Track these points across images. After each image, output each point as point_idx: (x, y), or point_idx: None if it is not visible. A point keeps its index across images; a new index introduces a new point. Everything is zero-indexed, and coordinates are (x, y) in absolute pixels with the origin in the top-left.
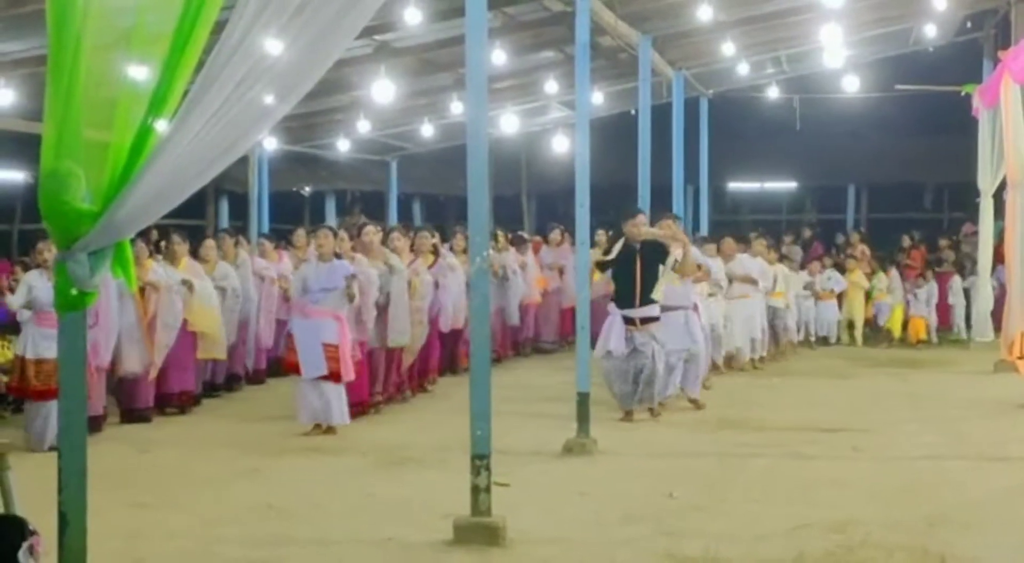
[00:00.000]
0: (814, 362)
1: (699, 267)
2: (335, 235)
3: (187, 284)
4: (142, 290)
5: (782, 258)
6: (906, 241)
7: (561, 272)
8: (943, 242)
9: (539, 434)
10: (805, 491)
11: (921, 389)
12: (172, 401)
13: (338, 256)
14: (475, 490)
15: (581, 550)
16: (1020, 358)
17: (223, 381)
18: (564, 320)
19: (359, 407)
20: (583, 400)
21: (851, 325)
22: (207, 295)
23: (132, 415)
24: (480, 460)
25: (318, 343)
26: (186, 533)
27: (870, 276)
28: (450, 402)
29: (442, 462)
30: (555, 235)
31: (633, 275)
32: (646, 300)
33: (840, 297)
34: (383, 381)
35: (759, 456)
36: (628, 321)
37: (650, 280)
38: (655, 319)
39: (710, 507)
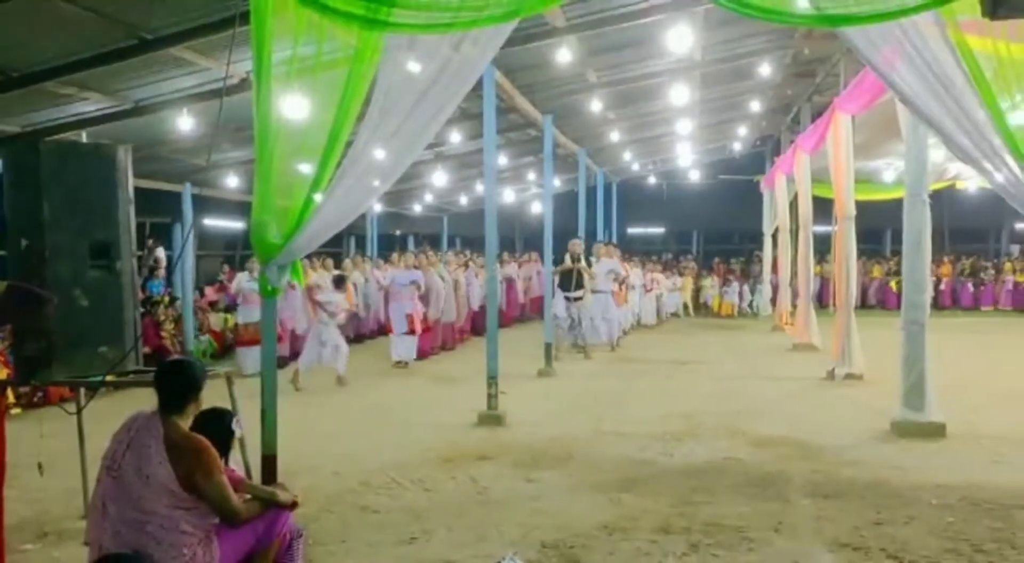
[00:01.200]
0: (674, 326)
1: (616, 276)
2: (415, 257)
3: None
4: (309, 288)
5: (664, 269)
6: (716, 260)
7: (531, 278)
8: (736, 262)
9: (524, 365)
10: (669, 396)
11: (731, 340)
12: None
13: (417, 267)
14: (489, 396)
15: (548, 428)
16: (786, 324)
17: (355, 336)
18: (535, 304)
19: (426, 353)
20: (548, 347)
21: (686, 306)
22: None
23: (298, 355)
24: (492, 379)
25: (403, 313)
26: (333, 419)
27: (697, 278)
28: (474, 353)
29: (470, 381)
30: (528, 257)
31: (572, 275)
32: (578, 287)
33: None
34: (441, 340)
35: (646, 377)
36: (568, 299)
37: (580, 278)
38: (581, 298)
39: (618, 404)
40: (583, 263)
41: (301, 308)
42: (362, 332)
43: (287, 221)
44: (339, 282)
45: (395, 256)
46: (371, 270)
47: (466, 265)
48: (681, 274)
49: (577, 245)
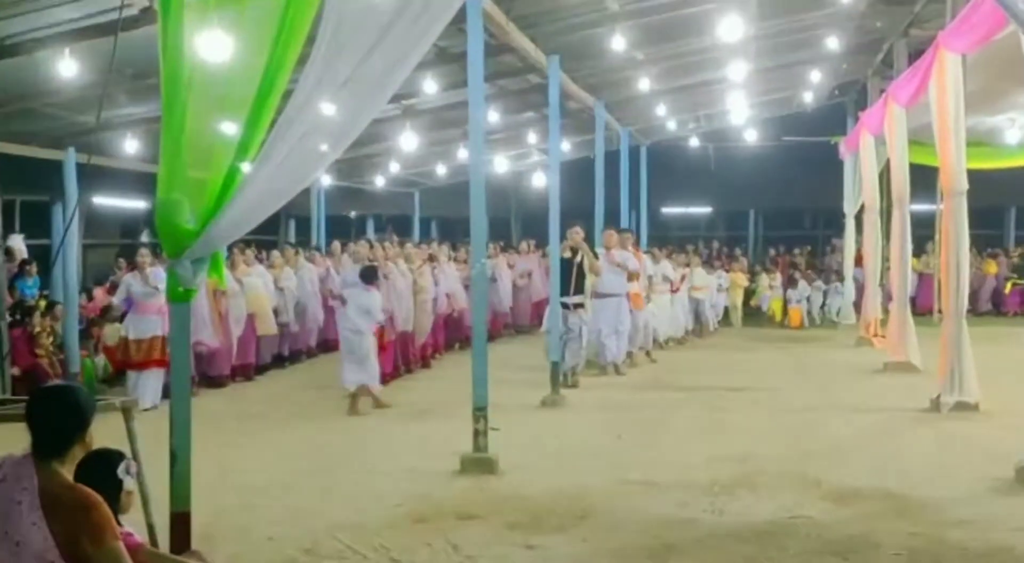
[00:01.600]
0: (722, 340)
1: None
2: (370, 246)
3: (239, 282)
4: (215, 293)
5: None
6: (771, 252)
7: (529, 275)
8: (803, 254)
9: (522, 393)
10: (717, 433)
11: (800, 358)
12: (239, 371)
13: (370, 261)
14: (476, 433)
15: (554, 477)
16: (875, 336)
17: (288, 355)
18: (533, 310)
19: (390, 375)
20: (554, 367)
21: (734, 310)
22: (254, 287)
23: (209, 381)
24: (479, 411)
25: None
26: (264, 467)
27: (751, 275)
28: (454, 373)
29: (451, 414)
30: (524, 246)
31: (569, 272)
32: (578, 291)
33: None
34: (402, 357)
35: (685, 408)
36: (564, 306)
37: (581, 277)
38: (582, 305)
39: (648, 445)
40: (588, 256)
41: (207, 318)
42: (297, 349)
43: (205, 199)
44: (369, 276)
45: (336, 247)
46: (310, 265)
47: (430, 258)
48: (729, 269)
49: (578, 234)
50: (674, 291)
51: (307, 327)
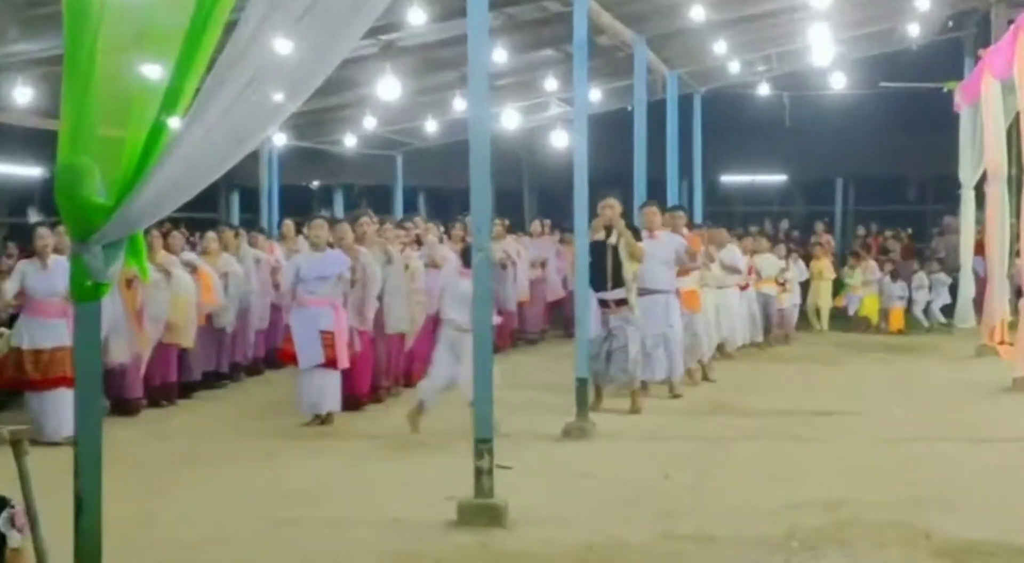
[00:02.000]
0: (802, 348)
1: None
2: (330, 225)
3: (166, 274)
4: (128, 281)
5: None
6: (860, 230)
7: (543, 265)
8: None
9: (539, 418)
10: (796, 472)
11: (907, 373)
12: (157, 393)
13: (331, 245)
14: (478, 472)
15: (581, 531)
16: (1002, 343)
17: (227, 370)
18: (546, 312)
19: (365, 396)
20: (582, 385)
21: (817, 312)
22: (183, 286)
23: (120, 406)
24: (483, 443)
25: (315, 331)
26: (198, 517)
27: (836, 264)
28: (448, 393)
29: (445, 446)
30: (536, 226)
31: (604, 258)
32: (617, 283)
33: (805, 285)
34: (387, 369)
35: (751, 439)
36: (602, 304)
37: (619, 263)
38: (625, 301)
39: (704, 488)
40: (627, 237)
41: (121, 322)
42: (236, 361)
43: (121, 165)
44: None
45: (288, 226)
46: (256, 252)
47: (416, 241)
48: (810, 256)
49: (613, 208)
50: (744, 286)
51: (248, 334)
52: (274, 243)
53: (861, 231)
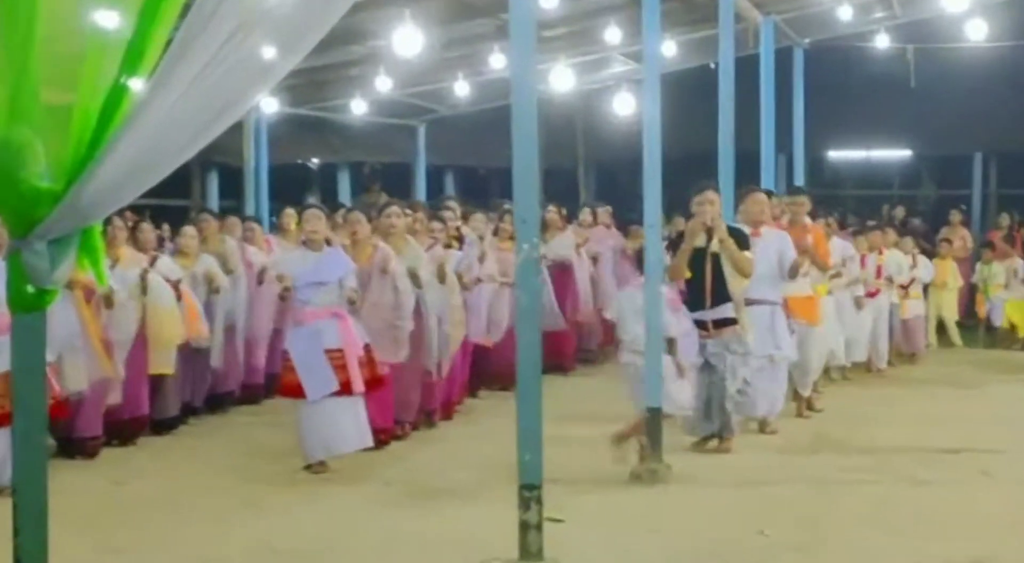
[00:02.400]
0: (929, 369)
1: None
2: (327, 216)
3: (140, 279)
4: (85, 289)
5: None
6: (1005, 219)
7: (595, 261)
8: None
9: (599, 459)
10: (925, 524)
11: None
12: (121, 429)
13: (328, 243)
14: (523, 527)
15: None
16: None
17: (205, 403)
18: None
19: (385, 434)
20: (654, 418)
21: (940, 324)
22: (163, 295)
23: (71, 447)
24: (529, 491)
25: (319, 352)
26: None
27: (972, 265)
28: (481, 426)
29: (481, 494)
30: (585, 216)
31: (703, 269)
32: (720, 299)
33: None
34: (408, 399)
35: (868, 483)
36: (698, 326)
37: (723, 274)
38: (731, 322)
39: (809, 546)
40: (729, 247)
41: (78, 339)
42: (218, 391)
43: (71, 140)
44: None
45: (290, 217)
46: (242, 250)
47: (458, 238)
48: (934, 253)
49: (714, 204)
50: (871, 294)
51: (237, 355)
52: (271, 238)
53: (1005, 220)
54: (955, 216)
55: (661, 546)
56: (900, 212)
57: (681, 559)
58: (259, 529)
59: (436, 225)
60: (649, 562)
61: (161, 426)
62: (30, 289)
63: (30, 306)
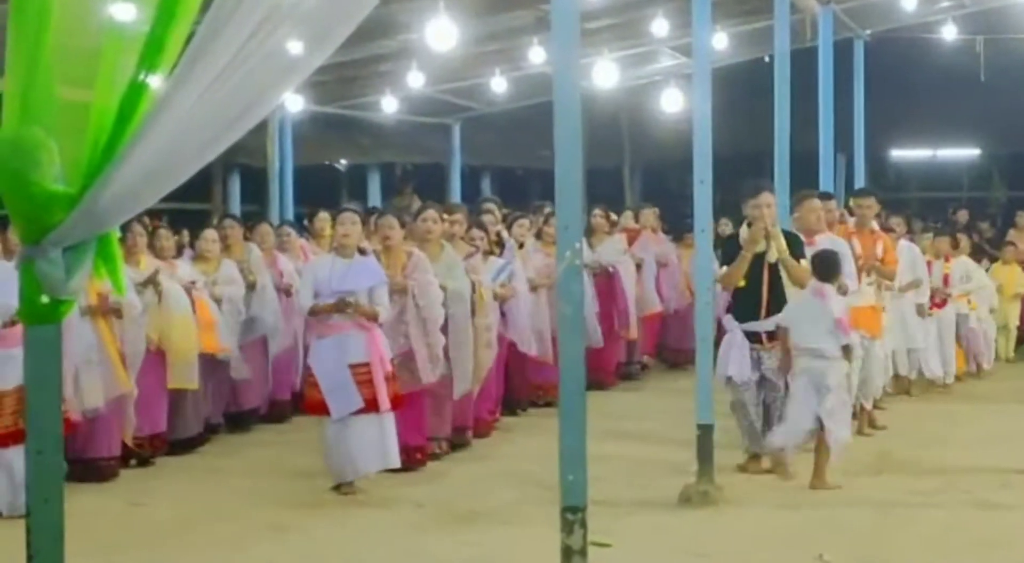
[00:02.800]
0: (1008, 383)
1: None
2: (363, 221)
3: (152, 284)
4: (100, 299)
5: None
6: None
7: (638, 268)
8: None
9: (647, 480)
10: (994, 551)
11: None
12: (138, 448)
13: (362, 251)
14: (566, 552)
15: None
16: None
17: (227, 420)
18: (649, 333)
19: (420, 452)
20: (705, 435)
21: (1004, 332)
22: (178, 303)
23: (87, 469)
24: (573, 513)
25: (343, 367)
26: None
27: None
28: (518, 445)
29: (520, 516)
30: (627, 220)
31: (759, 276)
32: (776, 310)
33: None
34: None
35: (935, 506)
36: (752, 338)
37: (780, 283)
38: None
39: None
40: (782, 245)
41: (95, 353)
42: (242, 408)
43: (87, 140)
44: (830, 269)
45: (324, 221)
46: (276, 258)
47: (499, 243)
48: (996, 257)
49: (770, 204)
50: (938, 304)
51: (263, 369)
52: (306, 245)
53: None
54: (1022, 218)
55: None
56: (964, 216)
57: None
58: (281, 555)
59: (477, 232)
60: None
61: (181, 446)
62: (44, 299)
63: (44, 318)
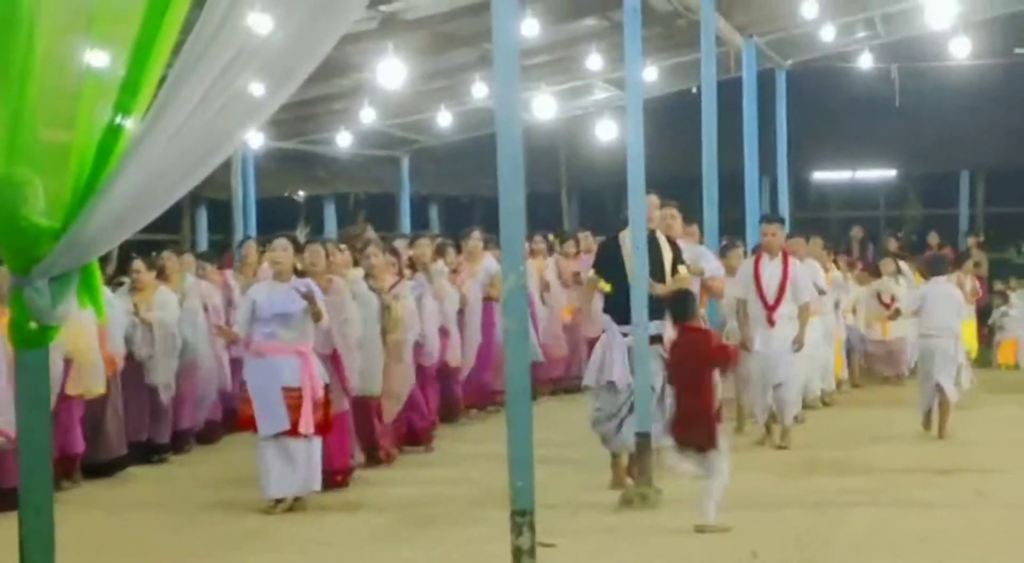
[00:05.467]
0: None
1: None
2: (296, 247)
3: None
4: None
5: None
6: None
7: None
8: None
9: (590, 484)
10: (922, 546)
11: None
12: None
13: (299, 274)
14: (516, 553)
15: None
16: None
17: (167, 441)
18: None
19: (342, 474)
20: (643, 442)
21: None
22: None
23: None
24: (522, 517)
25: (277, 388)
26: None
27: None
28: (464, 453)
29: (475, 520)
30: (569, 247)
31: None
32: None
33: None
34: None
35: (863, 505)
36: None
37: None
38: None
39: None
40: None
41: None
42: (183, 429)
43: (69, 178)
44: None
45: (250, 249)
46: (204, 283)
47: (401, 272)
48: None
49: (653, 204)
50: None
51: (195, 394)
52: (227, 273)
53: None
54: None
55: None
56: (858, 232)
57: None
58: (259, 561)
59: (390, 258)
60: None
61: (101, 469)
62: (33, 325)
63: (33, 342)
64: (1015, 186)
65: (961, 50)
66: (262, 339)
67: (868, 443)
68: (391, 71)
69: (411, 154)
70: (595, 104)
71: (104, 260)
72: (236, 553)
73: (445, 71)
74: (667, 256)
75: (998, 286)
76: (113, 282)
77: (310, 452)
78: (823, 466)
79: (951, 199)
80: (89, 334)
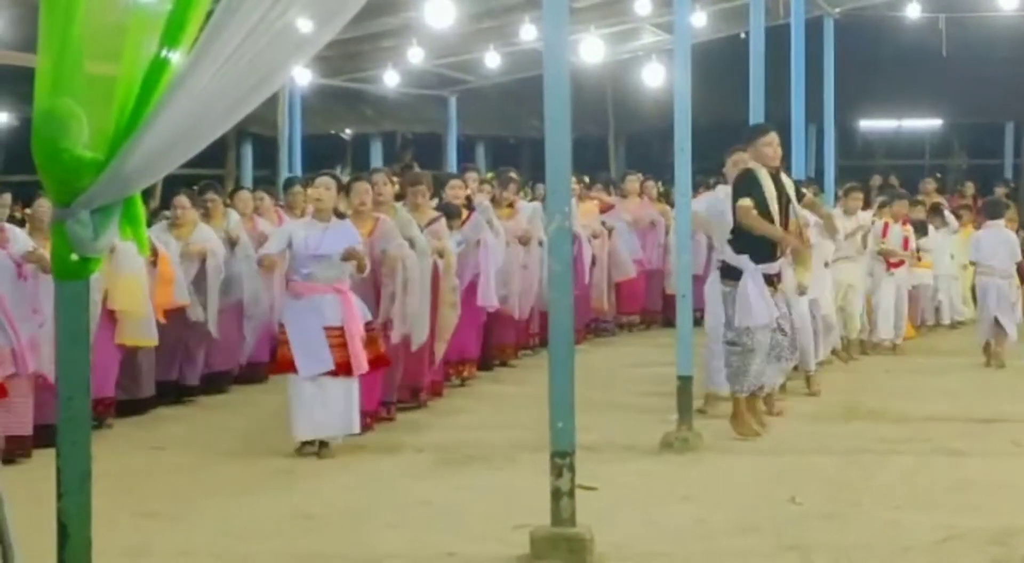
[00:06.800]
0: (965, 340)
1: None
2: (339, 186)
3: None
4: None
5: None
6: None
7: (610, 233)
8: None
9: (631, 427)
10: (956, 495)
11: None
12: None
13: (339, 215)
14: (556, 494)
15: None
16: None
17: (201, 381)
18: (629, 295)
19: (370, 417)
20: (685, 386)
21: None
22: (128, 261)
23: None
24: (562, 458)
25: (318, 328)
26: (204, 549)
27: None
28: (499, 404)
29: (514, 462)
30: (632, 184)
31: (770, 216)
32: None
33: None
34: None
35: (899, 453)
36: (768, 280)
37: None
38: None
39: (840, 515)
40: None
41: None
42: (222, 370)
43: (113, 111)
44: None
45: (296, 191)
46: (259, 219)
47: (466, 205)
48: (954, 220)
49: (776, 143)
50: (894, 265)
51: (238, 332)
52: (280, 210)
53: (970, 190)
54: (968, 187)
55: (692, 514)
56: (931, 184)
57: (712, 527)
58: (293, 499)
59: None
60: (681, 530)
61: (131, 408)
62: (74, 257)
63: (74, 274)
64: None
65: (1009, 1)
66: (300, 279)
67: (906, 393)
68: (439, 10)
69: (459, 94)
70: (643, 48)
71: (147, 195)
72: (273, 487)
73: (494, 11)
74: (792, 195)
75: None
76: (157, 217)
77: (350, 394)
78: (862, 413)
79: (996, 149)
80: (140, 289)
